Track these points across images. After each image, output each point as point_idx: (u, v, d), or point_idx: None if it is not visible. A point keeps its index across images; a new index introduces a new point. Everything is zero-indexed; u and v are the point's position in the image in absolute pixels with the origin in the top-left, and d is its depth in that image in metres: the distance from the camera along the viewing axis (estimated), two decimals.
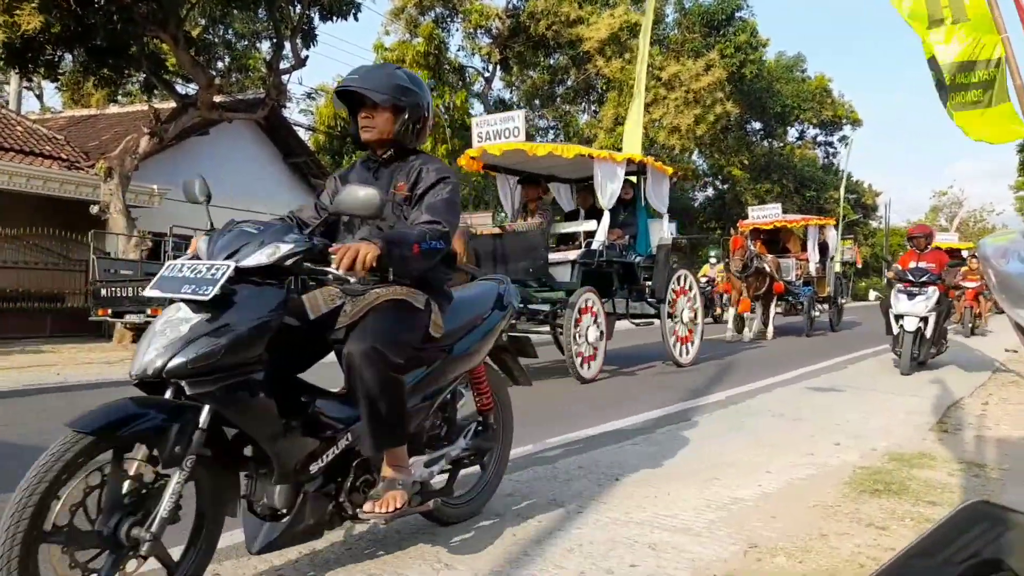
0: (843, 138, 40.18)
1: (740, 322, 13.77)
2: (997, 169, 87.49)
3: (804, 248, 15.59)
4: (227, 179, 16.75)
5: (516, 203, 8.85)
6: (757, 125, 36.83)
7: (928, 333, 8.17)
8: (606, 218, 8.11)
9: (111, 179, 12.63)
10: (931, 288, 8.18)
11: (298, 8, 13.80)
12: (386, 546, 2.81)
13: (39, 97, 28.05)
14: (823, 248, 15.70)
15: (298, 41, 13.75)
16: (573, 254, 7.99)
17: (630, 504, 3.35)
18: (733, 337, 13.18)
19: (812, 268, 15.17)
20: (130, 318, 11.61)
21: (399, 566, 2.63)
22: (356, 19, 13.80)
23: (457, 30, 26.12)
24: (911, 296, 8.17)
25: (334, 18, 13.82)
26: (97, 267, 12.23)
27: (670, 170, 9.24)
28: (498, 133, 8.21)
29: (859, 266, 32.98)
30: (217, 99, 14.29)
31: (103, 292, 11.52)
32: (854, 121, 39.68)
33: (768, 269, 13.23)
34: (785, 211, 34.95)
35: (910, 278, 8.28)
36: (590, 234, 8.35)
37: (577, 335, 7.37)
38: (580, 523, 3.09)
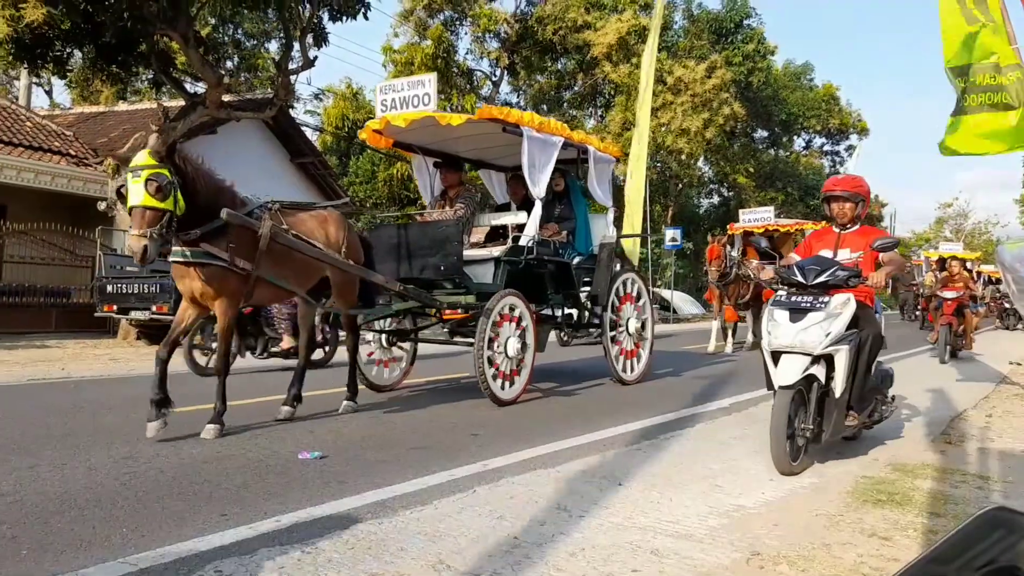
0: (849, 147, 40.16)
1: (725, 333, 13.33)
2: (1003, 180, 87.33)
3: None
4: (234, 178, 16.75)
5: (435, 190, 7.58)
6: (764, 133, 36.83)
7: (837, 391, 4.19)
8: (537, 208, 6.77)
9: (119, 176, 12.65)
10: (837, 299, 4.18)
11: (307, 8, 13.83)
12: (387, 546, 2.81)
13: (48, 93, 28.18)
14: None
15: (308, 41, 13.78)
16: (497, 250, 6.67)
17: (633, 509, 3.35)
18: (716, 347, 12.55)
19: None
20: (135, 315, 11.64)
21: (401, 566, 2.63)
22: (366, 18, 13.81)
23: (466, 33, 26.19)
24: (796, 314, 4.18)
25: (343, 18, 13.84)
26: (103, 263, 12.27)
27: (617, 152, 8.13)
28: (405, 101, 6.73)
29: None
30: (226, 98, 14.33)
31: (109, 288, 11.56)
32: (861, 130, 39.62)
33: (753, 276, 12.36)
34: (783, 217, 35.21)
35: (798, 278, 4.29)
36: (521, 228, 7.05)
37: (497, 347, 6.20)
38: (583, 527, 3.09)
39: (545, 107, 28.86)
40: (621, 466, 4.16)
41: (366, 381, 6.86)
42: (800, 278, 4.23)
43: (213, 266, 4.72)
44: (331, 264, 5.53)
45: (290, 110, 19.32)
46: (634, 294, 8.07)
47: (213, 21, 16.07)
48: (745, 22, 30.24)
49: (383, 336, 7.16)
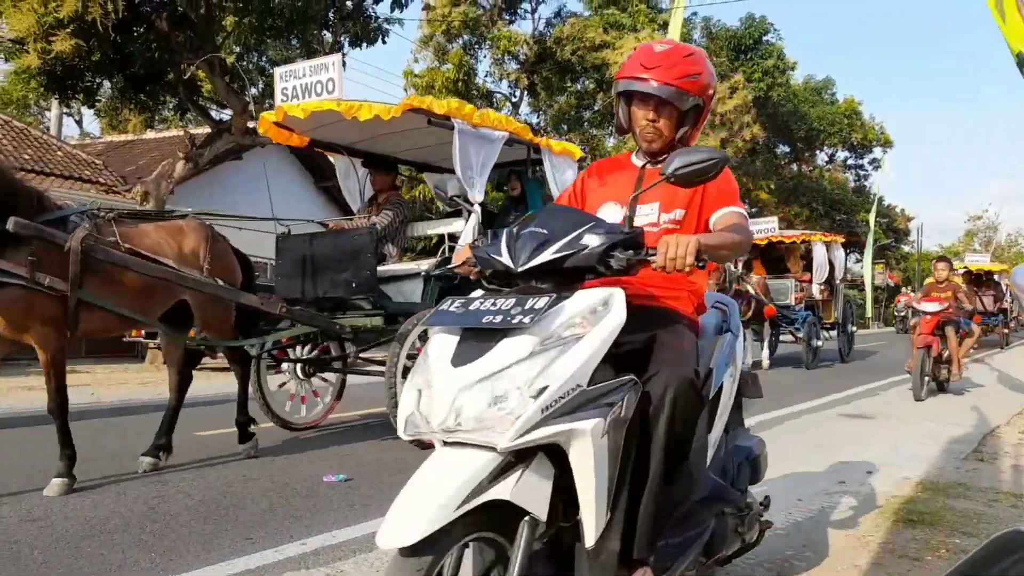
0: (874, 160, 39.81)
1: None
2: None
3: (809, 268, 13.70)
4: (260, 203, 17.01)
5: (364, 195, 6.64)
6: (785, 148, 36.66)
7: (586, 532, 1.72)
8: (475, 215, 5.79)
9: (147, 203, 12.88)
10: (578, 302, 1.73)
11: (328, 35, 14.08)
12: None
13: (79, 123, 28.81)
14: (829, 268, 13.74)
15: None
16: (425, 264, 5.79)
17: None
18: None
19: (816, 290, 13.37)
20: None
21: None
22: (384, 42, 14.02)
23: (485, 56, 26.44)
24: (470, 345, 1.69)
25: (363, 44, 14.07)
26: None
27: (578, 152, 7.03)
28: (307, 88, 5.98)
29: (893, 283, 32.50)
30: (251, 125, 14.57)
31: None
32: (885, 142, 39.28)
33: (752, 291, 11.63)
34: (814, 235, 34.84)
35: (500, 258, 1.86)
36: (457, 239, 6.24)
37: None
38: None
39: (565, 127, 28.99)
40: None
41: (276, 419, 5.89)
42: (504, 257, 1.84)
43: (10, 286, 3.81)
44: (184, 285, 4.56)
45: None
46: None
47: (238, 49, 16.39)
48: (764, 38, 30.24)
49: (298, 366, 6.07)
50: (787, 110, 32.20)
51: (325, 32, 13.86)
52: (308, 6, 11.99)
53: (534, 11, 26.07)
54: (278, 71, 6.38)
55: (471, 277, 2.12)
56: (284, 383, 6.11)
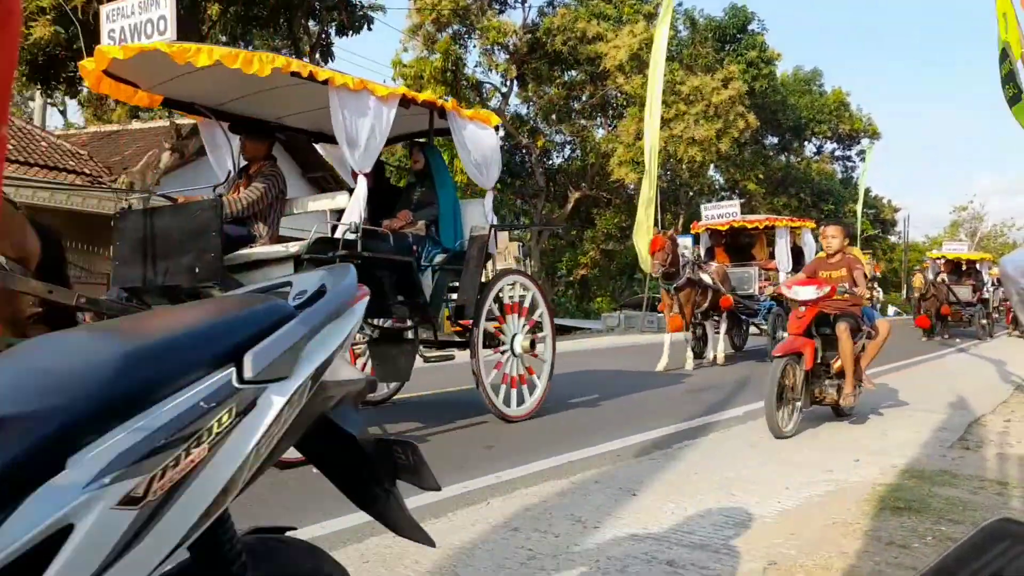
0: (861, 152, 40.03)
1: (700, 344, 11.52)
2: (1018, 183, 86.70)
3: (774, 256, 12.67)
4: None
5: (236, 165, 5.78)
6: (774, 140, 36.77)
7: None
8: (360, 188, 5.10)
9: (133, 193, 12.78)
10: None
11: (313, 25, 13.99)
12: (402, 559, 2.81)
13: (63, 113, 28.52)
14: (797, 255, 12.65)
15: (316, 57, 13.92)
16: (295, 246, 4.81)
17: (647, 519, 3.33)
18: (666, 367, 10.05)
19: (782, 279, 11.95)
20: None
21: None
22: (370, 29, 13.96)
23: (474, 46, 26.34)
24: None
25: (349, 33, 13.99)
26: None
27: (494, 119, 6.31)
28: (136, 29, 4.98)
29: (877, 273, 32.66)
30: None
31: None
32: (873, 134, 39.46)
33: (711, 280, 10.60)
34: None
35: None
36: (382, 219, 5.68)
37: None
38: (597, 538, 3.08)
39: (555, 117, 28.94)
40: (634, 476, 4.14)
41: None
42: None
43: None
44: None
45: None
46: (523, 302, 6.34)
47: (224, 39, 16.25)
48: (747, 27, 30.24)
49: None
50: (775, 101, 32.27)
51: (311, 21, 13.76)
52: None
53: (524, 0, 25.96)
54: (104, 9, 5.21)
55: None
56: None
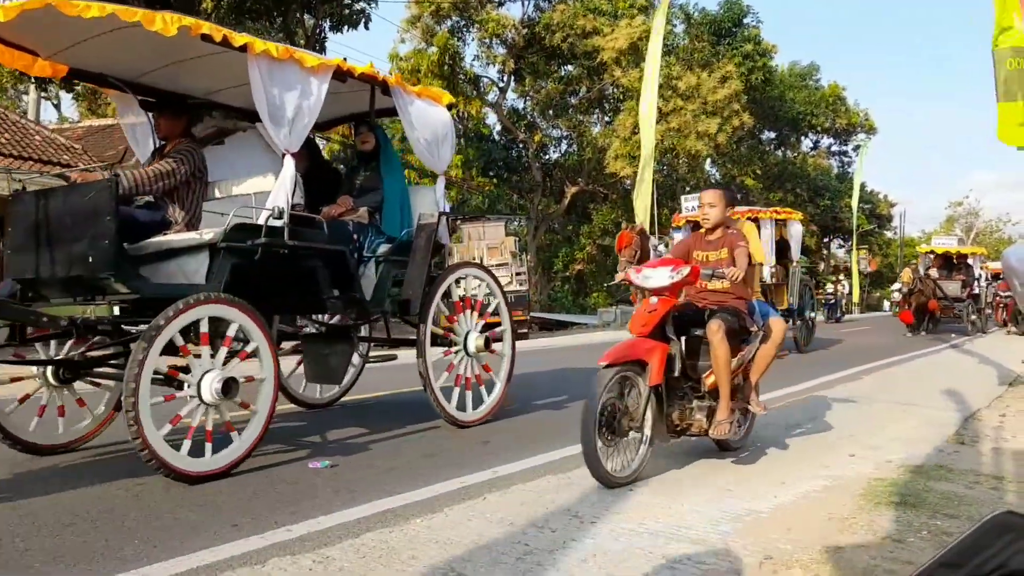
0: (857, 147, 40.10)
1: None
2: (1014, 179, 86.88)
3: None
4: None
5: (152, 143, 5.12)
6: (771, 134, 36.79)
7: None
8: (287, 170, 4.57)
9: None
10: None
11: (308, 19, 13.94)
12: (398, 554, 2.81)
13: (57, 107, 28.42)
14: (784, 249, 12.28)
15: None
16: (210, 233, 4.29)
17: (644, 515, 3.33)
18: None
19: (766, 274, 11.55)
20: None
21: (412, 575, 2.63)
22: (367, 27, 13.91)
23: (472, 39, 26.27)
24: None
25: (345, 28, 13.94)
26: None
27: (447, 97, 5.80)
28: None
29: (872, 269, 32.60)
30: None
31: None
32: (869, 128, 39.51)
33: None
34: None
35: None
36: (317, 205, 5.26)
37: (186, 389, 3.95)
38: (594, 533, 3.08)
39: (552, 112, 28.92)
40: None
41: (11, 440, 4.43)
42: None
43: None
44: None
45: None
46: (478, 297, 5.85)
47: None
48: (743, 21, 30.24)
49: (48, 369, 4.59)
50: (772, 95, 32.28)
51: (306, 15, 13.72)
52: None
53: None
54: None
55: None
56: (31, 394, 4.59)
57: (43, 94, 22.22)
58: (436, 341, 5.55)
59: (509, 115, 28.55)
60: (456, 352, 5.60)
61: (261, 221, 4.44)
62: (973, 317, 17.95)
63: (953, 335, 16.95)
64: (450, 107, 5.81)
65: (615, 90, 26.83)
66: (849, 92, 41.75)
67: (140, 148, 5.30)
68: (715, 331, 4.00)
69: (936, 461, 4.47)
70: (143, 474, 4.03)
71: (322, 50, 14.09)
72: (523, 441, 5.01)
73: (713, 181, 33.18)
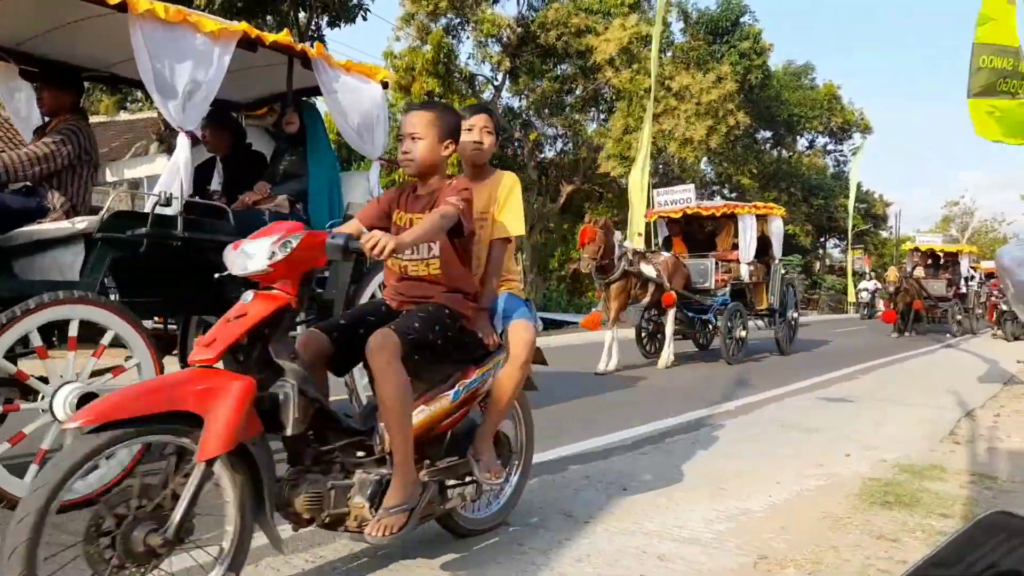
0: (853, 147, 40.21)
1: (653, 344, 10.35)
2: (1007, 179, 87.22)
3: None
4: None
5: (35, 119, 4.66)
6: (766, 134, 36.84)
7: None
8: (181, 151, 4.13)
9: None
10: None
11: (303, 15, 13.90)
12: (392, 554, 2.79)
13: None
14: (765, 246, 11.38)
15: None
16: (84, 221, 3.76)
17: (639, 514, 3.32)
18: (605, 369, 8.91)
19: (744, 271, 10.91)
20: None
21: (406, 575, 2.62)
22: (364, 19, 13.83)
23: (468, 38, 26.25)
24: None
25: (341, 23, 13.89)
26: None
27: (382, 72, 5.17)
28: None
29: (868, 268, 32.62)
30: None
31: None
32: (864, 128, 39.58)
33: (655, 274, 9.32)
34: (793, 220, 35.00)
35: None
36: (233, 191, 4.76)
37: (40, 400, 3.44)
38: (588, 533, 3.07)
39: (547, 111, 28.93)
40: (626, 471, 4.13)
41: None
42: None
43: None
44: None
45: None
46: None
47: None
48: (741, 20, 30.28)
49: None
50: (768, 95, 32.33)
51: (301, 12, 13.68)
52: None
53: None
54: None
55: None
56: None
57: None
58: None
59: (504, 114, 28.57)
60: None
61: (147, 208, 3.94)
62: (959, 317, 17.33)
63: (948, 336, 16.64)
64: (384, 85, 5.20)
65: (609, 90, 26.85)
66: (844, 91, 41.93)
67: (25, 125, 4.79)
68: (376, 351, 2.39)
69: (931, 461, 4.47)
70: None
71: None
72: None
73: (708, 180, 33.28)
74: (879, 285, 23.53)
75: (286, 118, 4.99)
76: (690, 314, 10.45)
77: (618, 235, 9.19)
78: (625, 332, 10.10)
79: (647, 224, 12.03)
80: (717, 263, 10.75)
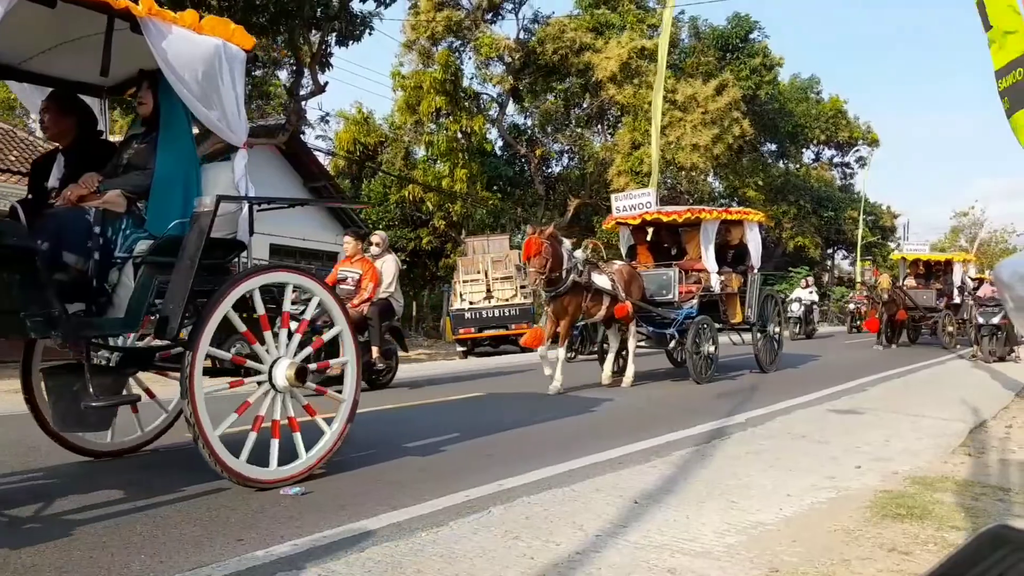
0: (860, 158, 40.19)
1: (613, 362, 9.38)
2: (1017, 188, 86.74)
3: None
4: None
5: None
6: (772, 147, 36.87)
7: None
8: None
9: None
10: None
11: (314, 35, 14.05)
12: (403, 568, 2.81)
13: None
14: (741, 254, 10.61)
15: (316, 68, 14.00)
16: None
17: (649, 527, 3.33)
18: (555, 389, 8.21)
19: (714, 282, 9.99)
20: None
21: None
22: (370, 33, 13.96)
23: (470, 59, 26.46)
24: None
25: (349, 42, 14.04)
26: None
27: (251, 41, 4.28)
28: None
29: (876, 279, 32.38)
30: None
31: None
32: (872, 141, 39.58)
33: (608, 284, 8.62)
34: (802, 232, 34.85)
35: None
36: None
37: None
38: (599, 546, 3.07)
39: (552, 127, 29.06)
40: (636, 484, 4.14)
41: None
42: None
43: None
44: None
45: (301, 135, 19.58)
46: (305, 316, 4.40)
47: None
48: (750, 36, 30.44)
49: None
50: (774, 108, 32.40)
51: (311, 31, 13.83)
52: (293, 3, 11.95)
53: (516, 11, 26.12)
54: None
55: None
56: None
57: None
58: (226, 370, 4.33)
59: (510, 131, 28.68)
60: (261, 384, 4.17)
61: None
62: (950, 328, 16.43)
63: (950, 352, 15.38)
64: (251, 54, 4.46)
65: (614, 106, 26.97)
66: (851, 105, 41.89)
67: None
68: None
69: (943, 473, 4.45)
70: (147, 490, 4.04)
71: (328, 65, 14.22)
72: (528, 454, 5.01)
73: (716, 194, 33.25)
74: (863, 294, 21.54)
75: (139, 97, 4.25)
76: (651, 329, 9.74)
77: (567, 244, 8.52)
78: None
79: (607, 232, 11.40)
80: (683, 273, 9.94)
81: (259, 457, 4.03)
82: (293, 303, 4.51)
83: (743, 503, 3.75)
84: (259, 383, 4.21)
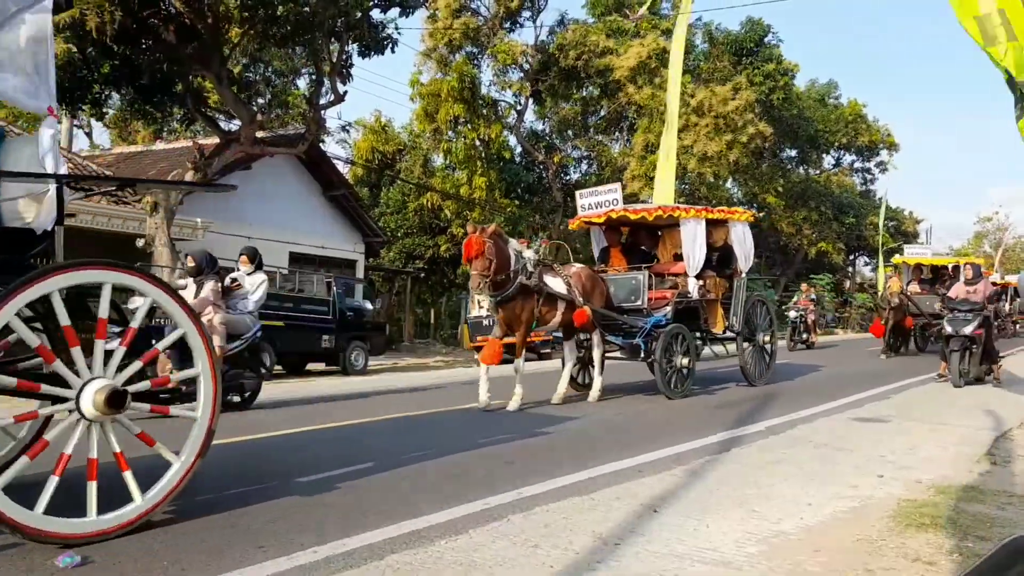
0: (880, 163, 39.83)
1: (583, 374, 8.92)
2: None
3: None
4: (269, 213, 17.17)
5: None
6: (792, 152, 36.63)
7: None
8: None
9: (156, 213, 12.96)
10: None
11: (335, 45, 14.17)
12: (418, 574, 2.82)
13: (88, 135, 29.00)
14: (726, 256, 9.73)
15: (336, 78, 14.11)
16: None
17: (669, 536, 3.31)
18: (486, 403, 7.58)
19: (692, 287, 9.09)
20: None
21: None
22: (393, 51, 14.06)
23: (488, 66, 26.55)
24: None
25: (371, 54, 14.13)
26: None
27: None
28: None
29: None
30: (259, 134, 14.68)
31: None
32: (891, 145, 39.22)
33: (563, 288, 7.90)
34: (824, 238, 34.51)
35: None
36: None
37: None
38: (619, 555, 3.06)
39: (570, 133, 29.05)
40: (656, 492, 4.12)
41: None
42: None
43: None
44: None
45: (321, 144, 19.74)
46: (133, 323, 3.59)
47: (245, 60, 16.50)
48: (764, 40, 30.32)
49: None
50: (792, 114, 32.21)
51: (332, 42, 13.95)
52: (314, 15, 12.06)
53: (535, 19, 26.19)
54: None
55: None
56: None
57: (75, 122, 22.75)
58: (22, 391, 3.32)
59: (528, 137, 28.73)
60: (66, 408, 3.30)
61: None
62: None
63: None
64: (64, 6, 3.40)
65: (631, 109, 26.94)
66: (870, 109, 41.53)
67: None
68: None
69: (966, 481, 4.39)
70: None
71: (348, 76, 14.34)
72: (547, 462, 5.00)
73: (734, 200, 33.07)
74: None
75: None
76: (618, 338, 8.76)
77: (514, 243, 7.68)
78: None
79: (573, 232, 10.28)
80: (654, 277, 9.10)
81: (79, 503, 3.23)
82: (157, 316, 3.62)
83: (764, 512, 3.72)
84: (69, 411, 3.30)
